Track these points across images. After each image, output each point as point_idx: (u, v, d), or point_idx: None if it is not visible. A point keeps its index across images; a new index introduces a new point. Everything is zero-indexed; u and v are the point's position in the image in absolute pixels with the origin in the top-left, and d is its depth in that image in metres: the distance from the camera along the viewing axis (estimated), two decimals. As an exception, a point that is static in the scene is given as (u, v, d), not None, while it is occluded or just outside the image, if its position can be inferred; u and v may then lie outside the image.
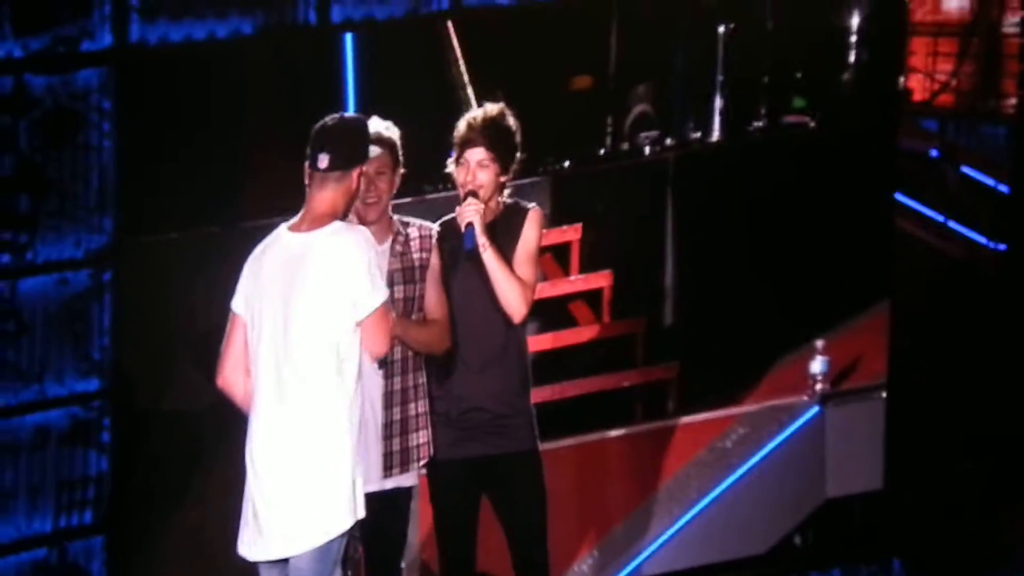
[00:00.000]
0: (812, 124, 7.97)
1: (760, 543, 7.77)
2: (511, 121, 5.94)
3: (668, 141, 7.83)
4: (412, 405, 5.90)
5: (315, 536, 5.21)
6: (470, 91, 7.46)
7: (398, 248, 5.85)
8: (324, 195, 5.37)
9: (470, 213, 5.81)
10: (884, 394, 7.88)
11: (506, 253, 5.88)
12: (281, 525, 5.23)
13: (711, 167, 7.82)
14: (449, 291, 5.91)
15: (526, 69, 7.22)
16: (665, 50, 7.81)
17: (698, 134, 7.93)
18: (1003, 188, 8.02)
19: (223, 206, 6.67)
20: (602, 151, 7.84)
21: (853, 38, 7.98)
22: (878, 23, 7.93)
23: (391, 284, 5.73)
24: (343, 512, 5.25)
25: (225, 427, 5.77)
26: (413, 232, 5.90)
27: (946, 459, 7.78)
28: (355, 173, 5.40)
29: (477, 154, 5.87)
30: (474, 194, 5.84)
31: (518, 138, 5.95)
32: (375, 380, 5.70)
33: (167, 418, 6.55)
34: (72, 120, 6.19)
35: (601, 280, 7.66)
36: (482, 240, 5.80)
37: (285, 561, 5.26)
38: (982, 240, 7.98)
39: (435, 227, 5.94)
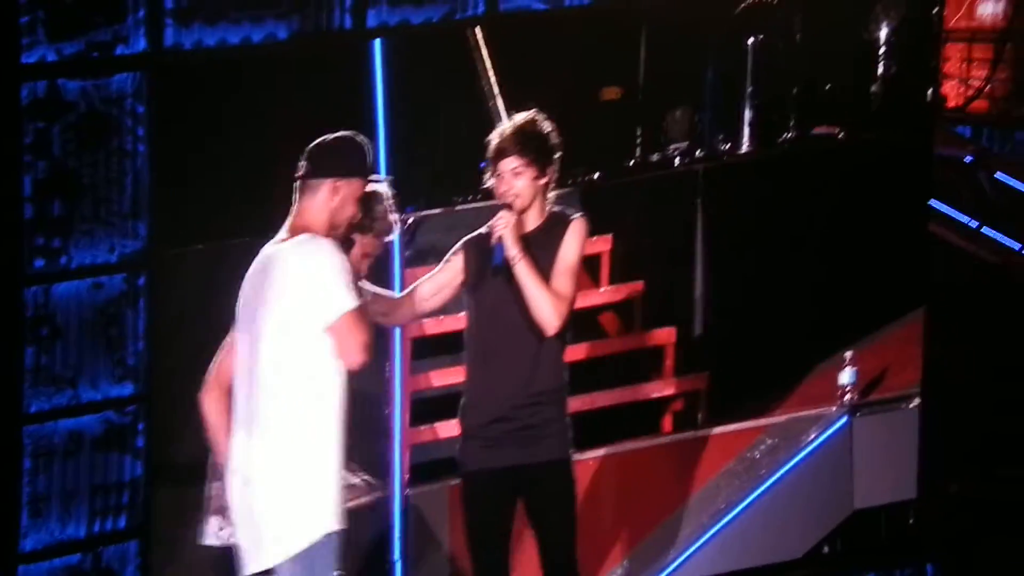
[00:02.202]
0: (841, 135, 7.97)
1: (789, 553, 7.74)
2: (542, 125, 5.97)
3: (698, 152, 7.83)
4: None
5: (285, 548, 5.26)
6: (499, 101, 7.46)
7: None
8: (300, 205, 5.48)
9: (500, 227, 5.85)
10: (915, 402, 7.86)
11: (546, 263, 5.89)
12: (254, 538, 5.32)
13: (741, 178, 7.82)
14: (478, 303, 5.93)
15: (556, 80, 7.22)
16: (695, 61, 7.82)
17: (728, 146, 7.93)
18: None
19: (254, 215, 6.66)
20: (632, 162, 7.84)
21: (885, 48, 7.97)
22: (912, 30, 7.93)
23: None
24: (315, 523, 5.27)
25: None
26: None
27: (980, 466, 7.75)
28: (326, 185, 5.43)
29: (510, 163, 5.91)
30: (508, 207, 5.87)
31: (553, 140, 5.97)
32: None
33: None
34: (106, 125, 6.19)
35: (632, 291, 7.65)
36: (512, 252, 5.81)
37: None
38: (1015, 246, 7.96)
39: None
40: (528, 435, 5.88)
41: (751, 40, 7.85)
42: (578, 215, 6.01)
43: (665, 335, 7.74)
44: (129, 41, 6.12)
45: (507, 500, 5.94)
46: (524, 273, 5.82)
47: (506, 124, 6.00)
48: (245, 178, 6.63)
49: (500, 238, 5.83)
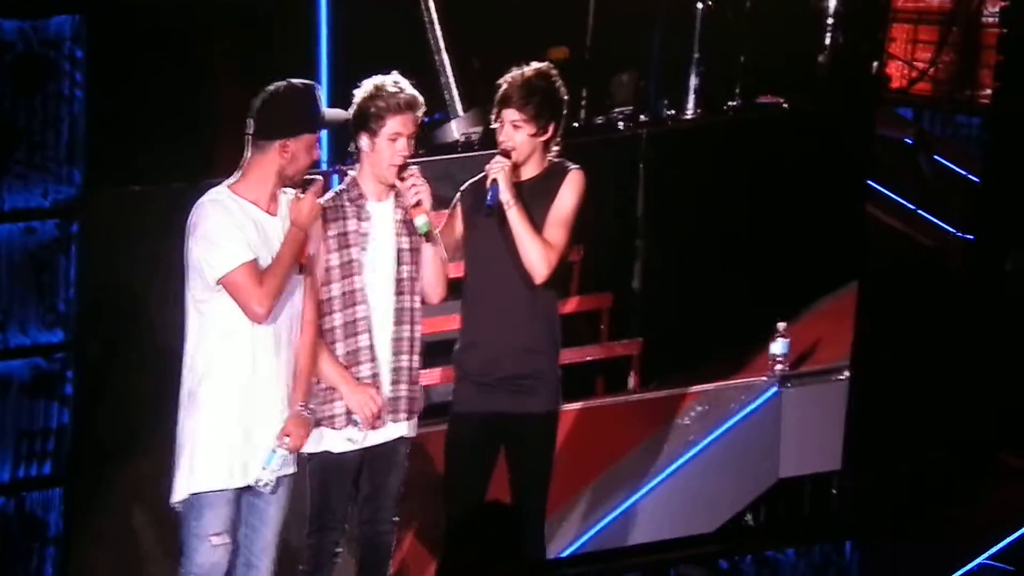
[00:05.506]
0: (785, 105, 7.98)
1: (713, 520, 7.79)
2: (549, 82, 5.91)
3: (642, 117, 7.82)
4: (413, 356, 5.89)
5: (176, 490, 5.41)
6: (445, 56, 7.42)
7: (399, 200, 5.83)
8: (250, 159, 5.43)
9: (495, 170, 5.84)
10: (845, 375, 7.91)
11: (540, 213, 5.89)
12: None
13: (684, 144, 7.82)
14: (473, 248, 5.93)
15: (502, 38, 7.17)
16: (643, 25, 7.79)
17: (672, 111, 7.92)
18: (974, 178, 8.03)
19: (190, 162, 6.62)
20: (576, 124, 7.81)
21: (832, 19, 7.98)
22: (859, 7, 7.93)
23: (397, 235, 5.74)
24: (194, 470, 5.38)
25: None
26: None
27: (904, 445, 7.82)
28: (275, 145, 5.39)
29: (511, 114, 5.89)
30: (506, 153, 5.85)
31: (559, 97, 5.91)
32: (386, 327, 5.77)
33: (130, 371, 6.50)
34: (44, 67, 6.10)
35: (571, 254, 7.63)
36: (506, 197, 5.82)
37: None
38: (951, 229, 7.99)
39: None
40: (519, 385, 5.91)
41: (700, 6, 7.84)
42: (575, 166, 5.98)
43: (601, 299, 7.75)
44: (68, -18, 6.03)
45: (490, 445, 5.98)
46: (515, 219, 5.82)
47: (514, 72, 5.92)
48: (182, 124, 6.59)
49: (494, 181, 5.81)
